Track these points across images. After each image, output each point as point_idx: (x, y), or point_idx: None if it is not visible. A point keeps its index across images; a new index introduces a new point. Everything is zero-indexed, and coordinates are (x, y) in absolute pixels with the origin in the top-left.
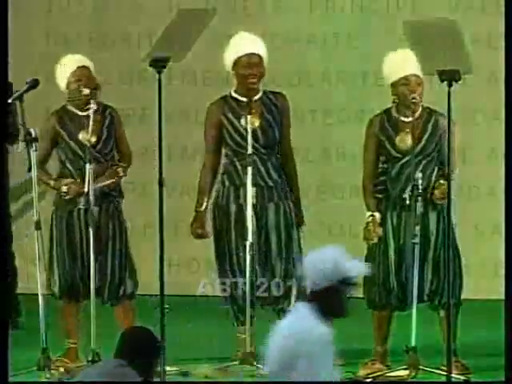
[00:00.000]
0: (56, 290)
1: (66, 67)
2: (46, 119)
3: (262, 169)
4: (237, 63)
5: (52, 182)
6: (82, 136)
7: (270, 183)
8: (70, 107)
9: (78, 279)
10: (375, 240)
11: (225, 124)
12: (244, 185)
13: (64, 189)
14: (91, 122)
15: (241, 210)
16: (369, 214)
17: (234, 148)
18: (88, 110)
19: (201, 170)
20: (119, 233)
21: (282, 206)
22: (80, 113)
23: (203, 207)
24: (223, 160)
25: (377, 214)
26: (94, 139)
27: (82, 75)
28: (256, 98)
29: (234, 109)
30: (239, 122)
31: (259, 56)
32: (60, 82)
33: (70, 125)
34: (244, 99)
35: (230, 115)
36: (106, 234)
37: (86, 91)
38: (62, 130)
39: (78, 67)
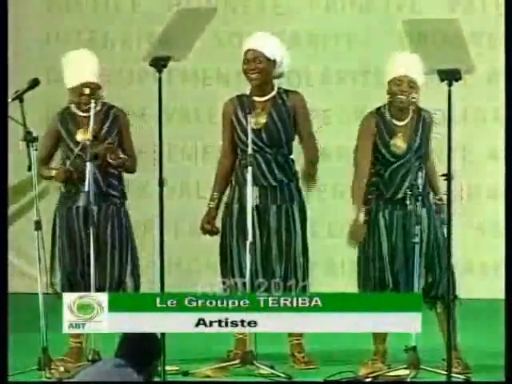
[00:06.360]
0: (58, 289)
1: (68, 64)
2: (51, 118)
3: (265, 168)
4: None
5: (45, 172)
6: (79, 136)
7: (274, 183)
8: (72, 107)
9: (78, 278)
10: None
11: (234, 123)
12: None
13: (53, 173)
14: (91, 122)
15: (243, 210)
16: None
17: (241, 147)
18: (89, 110)
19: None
20: (119, 234)
21: (284, 208)
22: (81, 113)
23: (214, 203)
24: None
25: (361, 216)
26: (90, 138)
27: None
28: (268, 97)
29: (245, 108)
30: (246, 120)
31: (258, 52)
32: (65, 81)
33: (70, 125)
34: (255, 98)
35: (239, 114)
36: (104, 235)
37: (86, 90)
38: (62, 129)
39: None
